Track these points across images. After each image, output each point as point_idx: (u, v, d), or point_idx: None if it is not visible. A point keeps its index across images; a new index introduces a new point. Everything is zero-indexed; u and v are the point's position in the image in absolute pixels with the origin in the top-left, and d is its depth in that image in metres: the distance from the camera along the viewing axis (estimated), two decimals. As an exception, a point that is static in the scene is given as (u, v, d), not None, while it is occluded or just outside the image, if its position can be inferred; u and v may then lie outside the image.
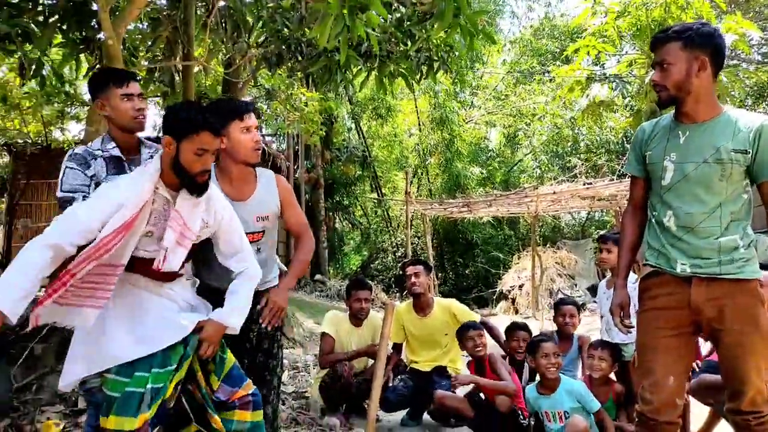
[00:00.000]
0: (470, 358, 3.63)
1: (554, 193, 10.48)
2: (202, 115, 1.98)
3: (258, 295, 2.54)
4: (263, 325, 2.40)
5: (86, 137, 3.73)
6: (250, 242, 2.47)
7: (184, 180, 1.99)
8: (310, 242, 2.61)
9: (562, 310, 3.77)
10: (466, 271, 16.49)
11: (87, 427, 2.43)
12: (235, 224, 2.22)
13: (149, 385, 1.91)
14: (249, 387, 2.15)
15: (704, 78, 2.00)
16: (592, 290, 12.48)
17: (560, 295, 12.09)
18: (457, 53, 4.97)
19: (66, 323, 1.96)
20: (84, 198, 2.17)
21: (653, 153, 2.13)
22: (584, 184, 10.25)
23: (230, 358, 2.17)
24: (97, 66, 4.55)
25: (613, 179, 10.32)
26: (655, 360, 2.06)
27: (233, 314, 2.13)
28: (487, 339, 3.68)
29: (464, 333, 3.58)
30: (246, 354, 2.51)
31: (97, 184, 2.21)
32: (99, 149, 2.35)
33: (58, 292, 1.84)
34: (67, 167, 2.27)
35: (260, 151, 2.45)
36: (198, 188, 2.02)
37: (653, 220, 2.16)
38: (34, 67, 3.99)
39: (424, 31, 4.36)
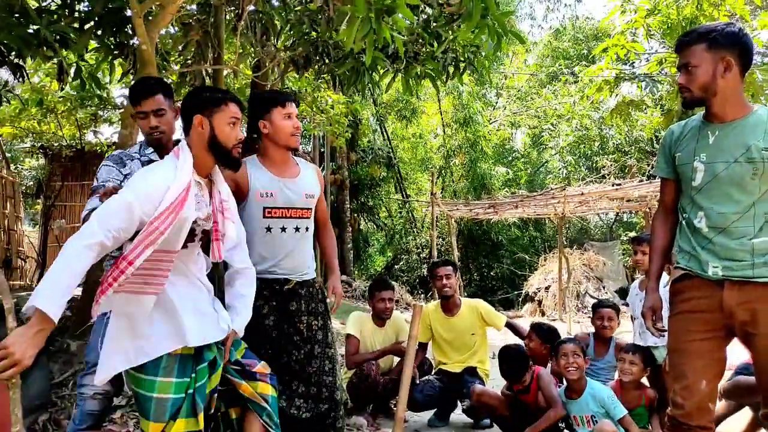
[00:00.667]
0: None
1: (582, 194, 10.34)
2: (222, 89, 2.04)
3: (304, 285, 2.59)
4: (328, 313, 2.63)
5: (120, 140, 3.83)
6: (300, 218, 2.57)
7: (223, 156, 1.99)
8: (332, 228, 2.91)
9: (600, 313, 3.66)
10: (491, 273, 16.40)
11: (71, 426, 2.47)
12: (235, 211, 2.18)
13: (199, 383, 1.92)
14: (266, 368, 2.16)
15: (730, 79, 1.98)
16: (621, 293, 12.27)
17: (588, 298, 11.93)
18: (483, 54, 4.95)
19: (123, 311, 1.89)
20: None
21: (683, 154, 2.11)
22: (613, 185, 10.10)
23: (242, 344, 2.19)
24: (131, 71, 4.67)
25: (642, 180, 10.14)
26: (687, 364, 2.03)
27: (246, 321, 2.13)
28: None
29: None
30: (296, 347, 2.53)
31: None
32: (137, 153, 2.46)
33: (117, 280, 1.79)
34: (103, 165, 2.38)
35: (299, 137, 2.56)
36: (236, 162, 2.03)
37: (684, 223, 2.14)
38: (74, 71, 4.11)
39: (450, 32, 4.36)
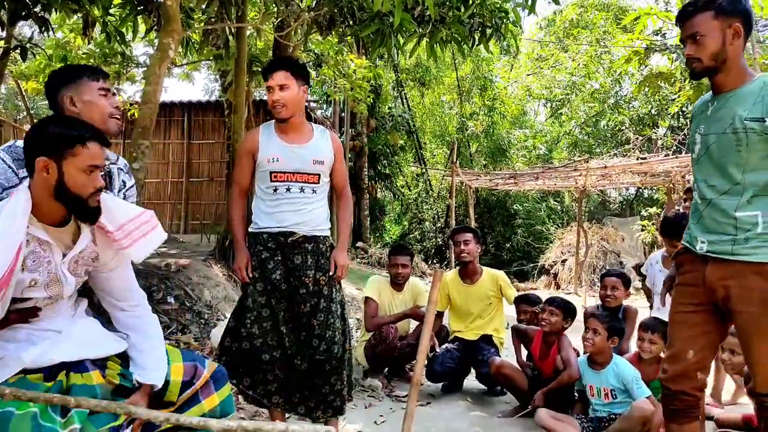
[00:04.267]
0: (537, 329, 3.56)
1: (605, 167, 10.18)
2: (83, 124, 1.65)
3: (312, 241, 2.61)
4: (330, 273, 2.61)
5: (144, 97, 3.83)
6: (307, 183, 2.60)
7: (76, 207, 1.62)
8: (350, 200, 2.85)
9: (604, 282, 3.73)
10: (507, 244, 16.33)
11: None
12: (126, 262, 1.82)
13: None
14: (207, 374, 1.88)
15: (738, 45, 1.94)
16: (638, 269, 12.17)
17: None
18: (512, 18, 4.82)
19: None
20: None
21: (692, 128, 2.12)
22: (638, 159, 9.92)
23: (174, 378, 1.82)
24: (154, 27, 4.64)
25: (668, 155, 9.95)
26: (676, 333, 2.09)
27: (159, 374, 1.78)
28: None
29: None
30: (303, 300, 2.57)
31: None
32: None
33: None
34: None
35: (278, 110, 2.54)
36: (93, 214, 1.66)
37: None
38: (100, 25, 4.09)
39: (480, -5, 4.24)
